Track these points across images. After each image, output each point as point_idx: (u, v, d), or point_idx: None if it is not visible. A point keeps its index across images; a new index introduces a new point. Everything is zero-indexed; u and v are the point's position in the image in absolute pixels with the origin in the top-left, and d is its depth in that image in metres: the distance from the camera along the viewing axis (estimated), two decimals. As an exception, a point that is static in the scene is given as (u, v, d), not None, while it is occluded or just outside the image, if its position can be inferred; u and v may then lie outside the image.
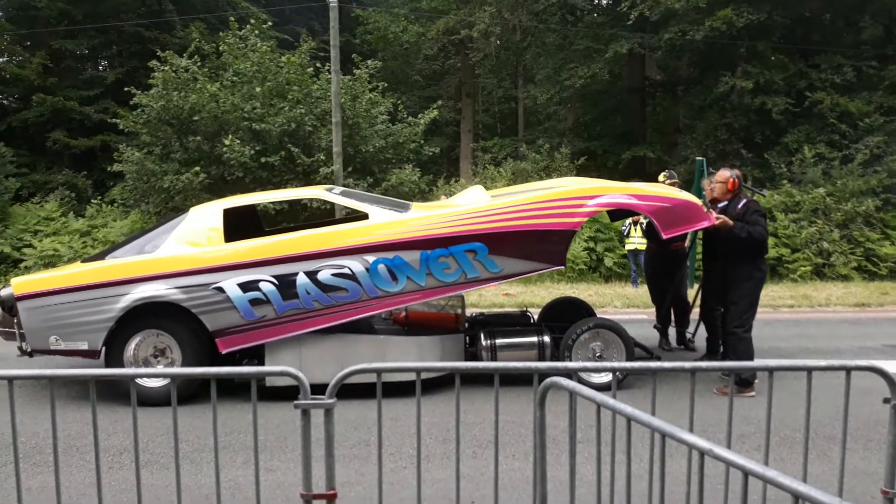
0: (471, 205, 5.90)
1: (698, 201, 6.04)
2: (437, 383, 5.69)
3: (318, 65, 14.73)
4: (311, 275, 5.53)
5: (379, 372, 2.83)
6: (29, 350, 5.70)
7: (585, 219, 5.75)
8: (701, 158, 10.95)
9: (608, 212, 6.88)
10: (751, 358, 5.81)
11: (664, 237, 5.78)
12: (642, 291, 11.84)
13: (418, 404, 2.85)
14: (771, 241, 14.84)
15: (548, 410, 2.64)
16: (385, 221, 5.75)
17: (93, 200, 17.04)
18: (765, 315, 8.60)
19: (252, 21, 15.42)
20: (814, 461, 4.09)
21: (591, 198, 5.74)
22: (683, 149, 19.39)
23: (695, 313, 7.18)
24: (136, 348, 5.65)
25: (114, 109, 17.48)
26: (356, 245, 5.59)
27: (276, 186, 13.30)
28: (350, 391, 5.44)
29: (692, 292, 7.70)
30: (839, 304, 11.30)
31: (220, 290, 5.49)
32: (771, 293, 11.49)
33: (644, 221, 13.41)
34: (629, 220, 13.24)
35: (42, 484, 3.94)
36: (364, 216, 5.87)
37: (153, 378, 5.57)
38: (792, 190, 15.60)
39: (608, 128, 22.90)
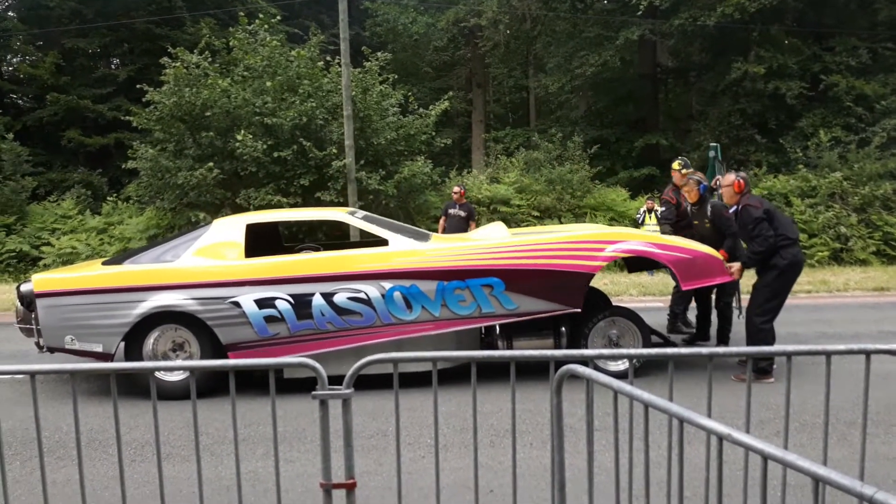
0: (491, 240, 5.95)
1: (719, 256, 5.99)
2: (454, 373, 5.70)
3: (328, 58, 14.71)
4: (328, 296, 5.58)
5: (395, 362, 2.84)
6: (46, 346, 5.78)
7: (604, 263, 5.75)
8: (715, 144, 10.86)
9: (626, 261, 6.77)
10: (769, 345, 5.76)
11: (682, 289, 5.84)
12: (658, 279, 11.79)
13: (435, 394, 2.86)
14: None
15: (564, 398, 2.64)
16: (404, 249, 5.78)
17: (108, 198, 17.19)
18: (782, 301, 8.55)
19: (261, 16, 15.41)
20: (834, 446, 4.07)
21: (612, 243, 5.77)
22: (697, 135, 19.24)
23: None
24: (155, 342, 5.71)
25: (127, 107, 17.59)
26: (374, 270, 5.64)
27: (289, 181, 13.34)
28: (367, 382, 5.48)
29: None
30: (858, 288, 11.20)
31: (237, 304, 5.56)
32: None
33: (659, 209, 13.39)
34: (643, 208, 13.18)
35: (66, 477, 4.00)
36: (384, 242, 5.93)
37: (172, 372, 5.64)
38: (808, 174, 15.45)
39: (621, 115, 22.75)
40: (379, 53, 14.97)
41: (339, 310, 5.59)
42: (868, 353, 2.69)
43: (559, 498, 2.67)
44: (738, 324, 6.41)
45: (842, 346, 2.72)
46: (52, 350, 5.77)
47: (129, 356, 5.66)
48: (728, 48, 18.36)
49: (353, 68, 13.74)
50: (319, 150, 13.19)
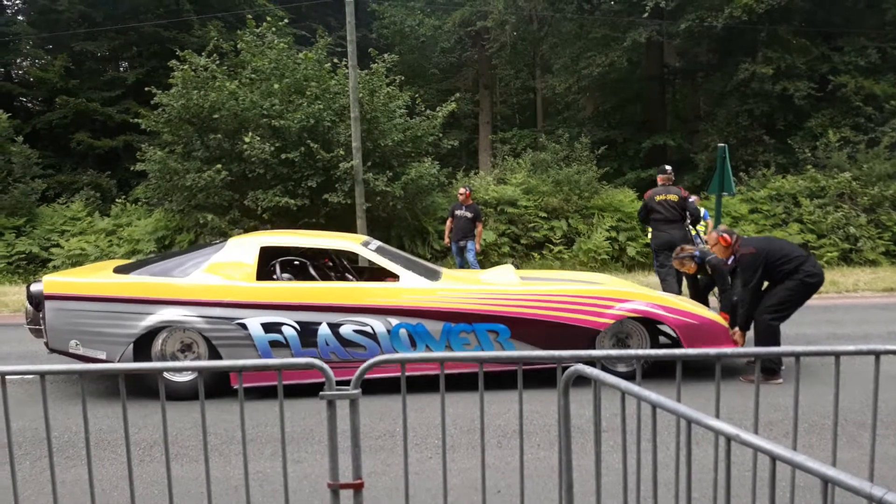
0: (501, 285, 6.00)
1: (724, 323, 6.01)
2: (461, 374, 5.70)
3: (335, 60, 14.73)
4: (334, 327, 5.62)
5: (403, 362, 2.85)
6: (50, 348, 5.81)
7: (612, 321, 5.75)
8: (723, 145, 10.83)
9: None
10: (776, 345, 5.75)
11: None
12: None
13: (442, 395, 2.86)
14: (796, 227, 14.67)
15: (572, 399, 2.64)
16: (414, 287, 5.80)
17: (117, 200, 17.27)
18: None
19: (269, 18, 15.46)
20: (843, 447, 4.06)
21: (620, 301, 5.82)
22: (705, 136, 19.17)
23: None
24: (164, 343, 5.73)
25: (135, 109, 17.66)
26: (383, 306, 5.68)
27: (297, 183, 13.37)
28: (375, 384, 5.50)
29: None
30: (867, 289, 11.14)
31: (244, 326, 5.59)
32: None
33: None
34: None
35: (76, 477, 4.02)
36: (395, 277, 5.97)
37: (180, 373, 5.66)
38: (817, 175, 15.37)
39: (628, 116, 22.69)
40: (386, 55, 14.99)
41: (344, 341, 5.64)
42: (878, 354, 2.68)
43: (567, 499, 2.67)
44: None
45: (851, 347, 2.71)
46: (56, 352, 5.79)
47: (137, 356, 5.68)
48: (736, 49, 18.30)
49: (360, 70, 13.77)
50: (327, 151, 13.22)
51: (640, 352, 2.82)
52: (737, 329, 5.96)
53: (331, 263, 7.19)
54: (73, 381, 6.26)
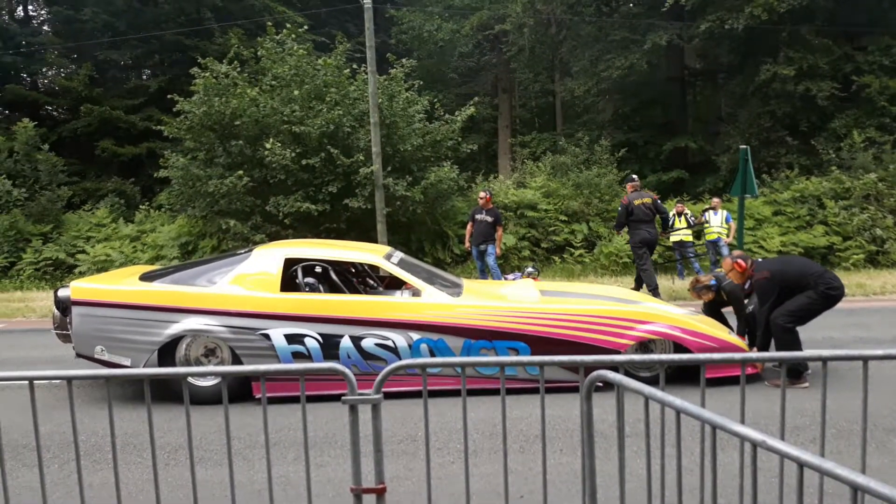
0: (523, 302, 6.01)
1: (744, 346, 6.02)
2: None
3: (354, 66, 14.83)
4: (356, 340, 5.67)
5: (424, 367, 2.85)
6: (76, 353, 5.88)
7: (633, 343, 5.74)
8: (745, 147, 10.73)
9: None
10: (797, 349, 5.69)
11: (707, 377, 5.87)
12: (688, 283, 11.65)
13: (464, 398, 2.86)
14: (821, 229, 14.48)
15: (595, 404, 2.63)
16: (436, 303, 5.82)
17: (141, 206, 17.51)
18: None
19: (288, 25, 15.59)
20: (872, 453, 3.99)
21: (643, 323, 5.81)
22: (726, 138, 18.98)
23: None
24: (187, 348, 5.79)
25: (158, 117, 17.90)
26: (405, 320, 5.71)
27: (318, 188, 13.45)
28: (395, 392, 5.50)
29: None
30: (895, 291, 10.95)
31: (267, 336, 5.64)
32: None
33: (688, 212, 13.23)
34: (673, 211, 13.06)
35: (103, 480, 4.07)
36: (417, 292, 6.01)
37: (204, 378, 5.71)
38: (841, 176, 15.16)
39: (648, 118, 22.56)
40: (404, 60, 15.05)
41: (366, 354, 5.67)
42: (907, 358, 2.63)
43: (590, 504, 2.66)
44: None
45: (879, 352, 2.67)
46: (82, 357, 5.87)
47: (162, 361, 5.74)
48: (757, 49, 18.11)
49: (379, 75, 13.83)
50: (347, 157, 13.29)
51: (664, 357, 2.80)
52: (755, 349, 6.01)
53: (353, 270, 7.22)
54: (100, 385, 6.35)
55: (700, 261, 13.09)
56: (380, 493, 2.73)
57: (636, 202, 10.07)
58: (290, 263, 6.18)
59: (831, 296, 5.70)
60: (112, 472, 2.84)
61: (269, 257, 6.05)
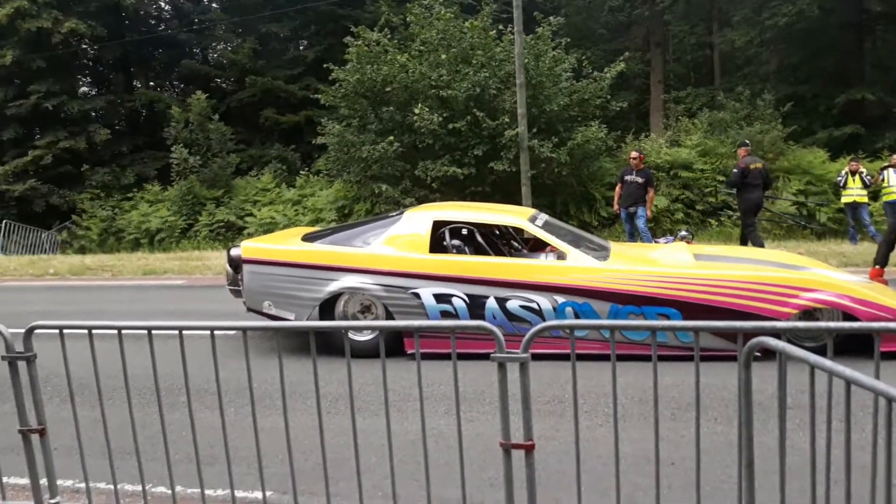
0: (675, 267, 5.78)
1: None
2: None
3: (500, 27, 14.72)
4: (501, 301, 5.75)
5: (571, 328, 2.86)
6: (247, 307, 6.42)
7: (795, 311, 5.34)
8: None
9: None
10: None
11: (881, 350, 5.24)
12: (862, 248, 10.68)
13: (613, 362, 2.83)
14: None
15: (753, 374, 2.51)
16: (582, 266, 5.76)
17: (301, 172, 18.62)
18: None
19: (436, -11, 15.72)
20: None
21: (808, 290, 5.40)
22: (913, 87, 16.99)
23: None
24: (345, 305, 6.16)
25: (315, 86, 18.83)
26: (550, 283, 5.71)
27: (464, 152, 13.62)
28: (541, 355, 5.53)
29: None
30: None
31: (417, 295, 5.88)
32: None
33: (864, 171, 12.05)
34: (846, 170, 11.98)
35: (272, 425, 4.44)
36: (562, 255, 5.96)
37: (361, 333, 6.08)
38: None
39: (818, 69, 20.57)
40: (551, 18, 14.72)
41: (510, 315, 5.74)
42: None
43: (747, 475, 2.57)
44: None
45: None
46: (252, 311, 6.40)
47: (322, 317, 6.15)
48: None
49: (526, 35, 13.64)
50: (492, 119, 13.31)
51: (832, 324, 2.60)
52: None
53: (498, 232, 7.29)
54: (268, 337, 6.91)
55: (876, 225, 11.92)
56: (529, 448, 2.79)
57: (751, 166, 10.52)
58: (438, 226, 6.35)
59: None
60: (281, 418, 3.11)
61: (418, 220, 6.26)
